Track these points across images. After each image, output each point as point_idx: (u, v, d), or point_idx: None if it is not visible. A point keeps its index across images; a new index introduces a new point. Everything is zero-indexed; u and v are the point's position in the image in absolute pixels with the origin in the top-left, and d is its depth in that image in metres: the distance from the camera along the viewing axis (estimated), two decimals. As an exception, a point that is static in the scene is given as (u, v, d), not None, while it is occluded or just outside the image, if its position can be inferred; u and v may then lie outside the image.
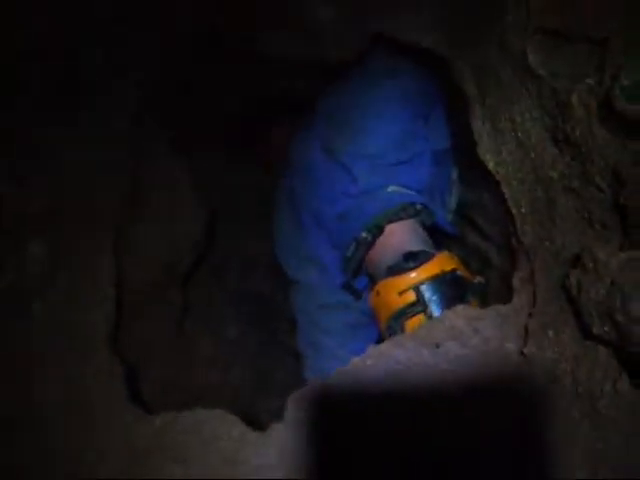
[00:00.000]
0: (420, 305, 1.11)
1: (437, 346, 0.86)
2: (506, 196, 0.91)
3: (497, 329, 0.87)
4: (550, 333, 0.80)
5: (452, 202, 1.42)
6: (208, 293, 1.55)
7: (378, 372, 0.85)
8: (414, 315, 1.12)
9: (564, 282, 0.77)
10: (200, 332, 1.50)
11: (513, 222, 0.92)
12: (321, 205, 1.35)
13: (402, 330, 1.12)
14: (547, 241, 0.84)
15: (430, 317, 1.10)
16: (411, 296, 1.12)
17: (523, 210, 0.89)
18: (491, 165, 0.94)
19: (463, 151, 1.23)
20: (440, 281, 1.12)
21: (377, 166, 1.25)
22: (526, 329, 0.85)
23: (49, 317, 0.96)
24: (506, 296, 0.96)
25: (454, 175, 1.42)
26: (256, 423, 0.90)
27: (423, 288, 1.12)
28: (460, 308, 0.92)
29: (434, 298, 1.11)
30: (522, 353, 0.83)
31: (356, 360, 0.86)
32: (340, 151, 1.28)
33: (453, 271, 1.15)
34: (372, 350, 0.87)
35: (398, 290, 1.14)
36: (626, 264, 0.63)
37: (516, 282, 0.93)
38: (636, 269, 0.61)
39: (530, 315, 0.86)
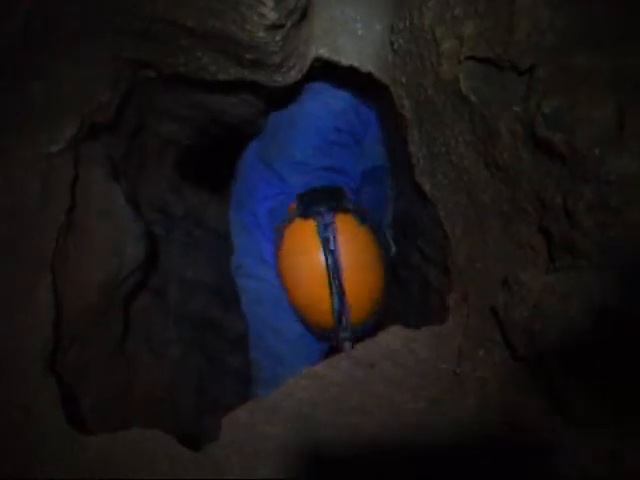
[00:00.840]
0: (298, 210, 1.30)
1: (372, 366, 0.86)
2: (441, 218, 0.93)
3: (432, 349, 0.88)
4: (481, 352, 0.82)
5: (388, 218, 1.52)
6: (149, 316, 1.52)
7: (314, 392, 0.85)
8: (293, 219, 1.30)
9: (494, 303, 0.79)
10: (141, 353, 1.46)
11: (448, 243, 0.94)
12: (257, 204, 1.48)
13: (282, 236, 1.32)
14: (479, 262, 0.86)
15: (302, 216, 1.29)
16: (295, 206, 1.32)
17: (457, 232, 0.90)
18: (427, 188, 0.95)
19: (403, 172, 1.25)
20: (318, 190, 1.33)
21: (304, 172, 1.40)
22: (460, 349, 0.86)
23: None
24: (444, 316, 0.98)
25: (390, 193, 1.50)
26: (195, 443, 0.89)
27: (301, 196, 1.32)
28: (396, 328, 0.93)
29: (305, 199, 1.31)
30: (455, 372, 0.84)
31: (291, 381, 0.86)
32: (272, 160, 1.45)
33: (336, 187, 1.34)
34: (307, 371, 0.87)
35: (290, 207, 1.34)
36: (547, 288, 0.64)
37: (451, 302, 0.95)
38: (556, 293, 0.63)
39: (464, 335, 0.88)
